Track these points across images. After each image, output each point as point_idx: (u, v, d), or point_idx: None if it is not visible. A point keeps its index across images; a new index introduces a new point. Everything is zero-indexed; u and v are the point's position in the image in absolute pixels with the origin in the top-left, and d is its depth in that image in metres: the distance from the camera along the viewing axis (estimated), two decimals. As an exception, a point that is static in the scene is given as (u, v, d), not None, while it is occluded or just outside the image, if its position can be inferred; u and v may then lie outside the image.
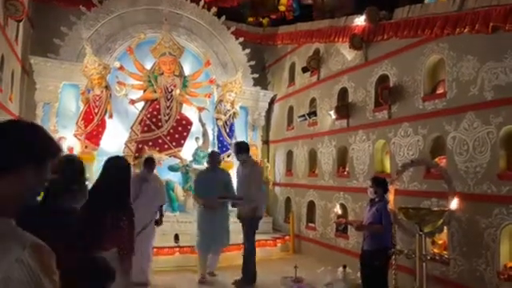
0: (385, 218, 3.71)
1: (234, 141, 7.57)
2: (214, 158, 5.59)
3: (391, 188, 2.01)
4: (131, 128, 7.36)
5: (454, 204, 1.37)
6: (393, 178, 2.17)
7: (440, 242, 4.62)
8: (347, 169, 6.45)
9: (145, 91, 7.50)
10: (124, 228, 2.67)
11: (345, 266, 5.53)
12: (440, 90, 4.78)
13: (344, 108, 6.47)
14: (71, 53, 7.35)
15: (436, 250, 4.37)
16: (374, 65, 5.93)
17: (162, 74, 7.45)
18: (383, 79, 5.74)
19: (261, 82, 8.93)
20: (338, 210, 4.95)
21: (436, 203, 4.37)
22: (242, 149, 5.38)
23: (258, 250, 5.62)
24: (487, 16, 4.12)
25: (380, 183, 3.99)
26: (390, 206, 1.54)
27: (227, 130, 7.84)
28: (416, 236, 1.47)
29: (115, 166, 2.92)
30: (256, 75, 8.70)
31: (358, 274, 5.41)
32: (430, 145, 4.82)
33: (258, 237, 5.65)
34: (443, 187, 4.34)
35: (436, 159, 4.66)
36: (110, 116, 7.14)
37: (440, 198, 4.38)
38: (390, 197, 1.59)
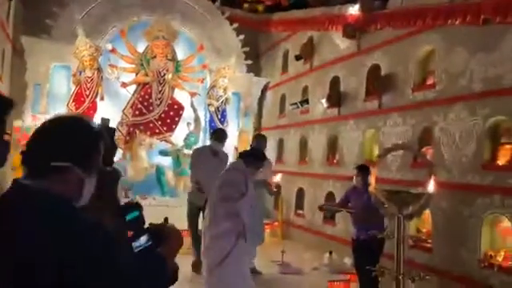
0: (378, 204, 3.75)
1: (225, 126, 7.60)
2: (222, 136, 5.09)
3: (373, 172, 2.07)
4: (122, 111, 7.33)
5: (431, 187, 1.42)
6: (375, 162, 2.23)
7: (424, 230, 4.73)
8: (337, 157, 6.52)
9: (137, 74, 7.46)
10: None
11: (331, 252, 5.66)
12: (430, 81, 4.84)
13: (336, 97, 6.51)
14: (63, 34, 7.26)
15: (421, 236, 4.47)
16: (366, 54, 5.96)
17: (155, 57, 7.40)
18: (375, 69, 5.77)
19: (254, 68, 8.91)
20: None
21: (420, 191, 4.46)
22: (225, 138, 5.13)
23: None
24: (479, 8, 4.15)
25: (368, 171, 4.03)
26: (372, 189, 1.59)
27: (219, 116, 7.85)
28: (395, 218, 1.53)
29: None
30: (249, 62, 8.68)
31: (345, 260, 5.54)
32: (418, 135, 4.89)
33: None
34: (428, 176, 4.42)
35: (423, 149, 4.74)
36: (102, 98, 7.11)
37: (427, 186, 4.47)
38: (372, 180, 1.64)
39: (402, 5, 5.28)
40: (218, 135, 5.18)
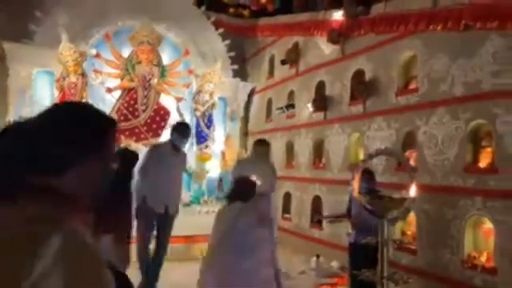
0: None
1: (212, 130, 7.59)
2: (187, 131, 4.63)
3: (356, 176, 2.10)
4: (108, 117, 7.25)
5: (413, 192, 1.45)
6: (358, 167, 2.27)
7: (409, 232, 4.80)
8: (323, 161, 6.57)
9: (122, 80, 7.40)
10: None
11: (318, 256, 5.69)
12: (412, 86, 4.93)
13: (321, 101, 6.57)
14: (46, 39, 7.15)
15: (404, 239, 4.53)
16: (350, 59, 6.04)
17: (140, 62, 7.36)
18: (359, 74, 5.85)
19: (240, 73, 8.93)
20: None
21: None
22: (189, 134, 4.74)
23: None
24: (459, 14, 4.26)
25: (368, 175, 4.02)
26: (355, 193, 1.61)
27: (205, 121, 7.83)
28: (379, 222, 1.56)
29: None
30: (236, 66, 8.69)
31: (332, 264, 5.58)
32: (402, 138, 4.97)
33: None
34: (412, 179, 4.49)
35: (406, 152, 4.81)
36: (86, 104, 7.03)
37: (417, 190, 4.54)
38: (355, 185, 1.66)
39: (385, 10, 5.38)
40: (182, 130, 4.63)
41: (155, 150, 4.67)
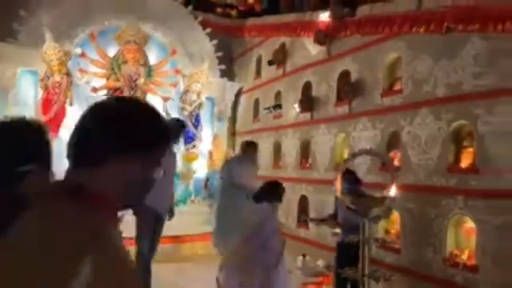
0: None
1: (199, 130, 7.58)
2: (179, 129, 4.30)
3: (338, 177, 2.13)
4: (93, 117, 7.19)
5: (393, 191, 1.49)
6: (341, 167, 2.30)
7: (393, 231, 4.87)
8: (310, 161, 6.62)
9: (108, 79, 7.34)
10: None
11: (304, 255, 5.73)
12: (397, 87, 4.99)
13: (308, 102, 6.62)
14: (30, 38, 7.06)
15: (388, 238, 4.59)
16: (336, 60, 6.09)
17: (126, 62, 7.31)
18: (345, 74, 5.90)
19: (228, 73, 8.93)
20: None
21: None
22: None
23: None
24: (442, 17, 4.33)
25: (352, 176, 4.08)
26: (337, 193, 1.63)
27: (193, 121, 7.82)
28: (360, 221, 1.59)
29: None
30: (223, 66, 8.69)
31: (318, 263, 5.62)
32: (387, 139, 5.03)
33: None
34: (398, 179, 4.56)
35: (391, 153, 4.88)
36: (71, 104, 6.96)
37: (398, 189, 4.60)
38: (337, 185, 1.69)
39: (371, 12, 5.44)
40: (176, 127, 4.32)
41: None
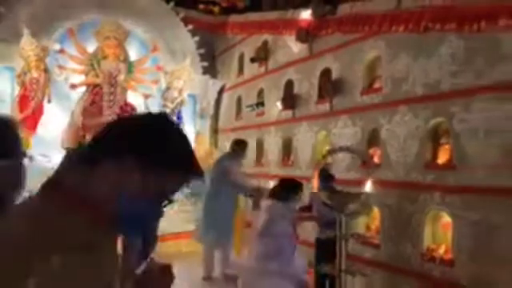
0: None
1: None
2: None
3: (315, 173, 2.15)
4: (72, 114, 7.07)
5: (368, 187, 1.50)
6: (318, 163, 2.33)
7: (373, 226, 4.94)
8: (292, 158, 6.65)
9: (87, 76, 7.22)
10: None
11: (286, 252, 5.76)
12: (377, 85, 5.06)
13: (290, 99, 6.64)
14: (7, 33, 6.88)
15: (367, 233, 4.66)
16: (318, 58, 6.13)
17: (106, 58, 7.20)
18: (326, 72, 5.95)
19: (210, 70, 8.89)
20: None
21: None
22: None
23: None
24: (420, 16, 4.40)
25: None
26: (314, 189, 1.64)
27: (175, 118, 7.76)
28: (337, 217, 1.61)
29: None
30: (205, 64, 8.65)
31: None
32: (367, 136, 5.10)
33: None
34: (376, 176, 4.63)
35: (371, 150, 4.95)
36: (49, 100, 6.82)
37: (375, 186, 4.67)
38: (314, 182, 1.70)
39: (351, 11, 5.49)
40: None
41: None
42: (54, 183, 0.86)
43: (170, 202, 0.92)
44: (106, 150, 0.86)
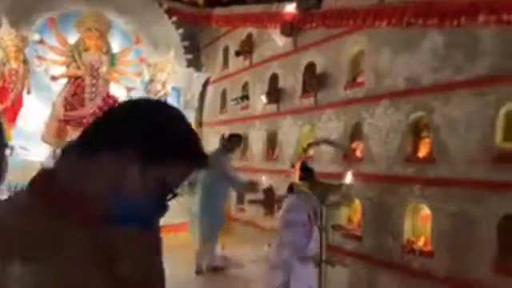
0: None
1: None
2: None
3: (296, 164, 2.17)
4: (52, 106, 6.93)
5: (348, 179, 1.53)
6: (299, 156, 2.35)
7: (355, 219, 5.01)
8: (276, 152, 6.68)
9: (68, 67, 7.08)
10: None
11: (269, 245, 5.79)
12: (360, 80, 5.10)
13: (274, 93, 6.65)
14: (-17, 22, 6.69)
15: (348, 225, 4.72)
16: (302, 52, 6.14)
17: (88, 49, 7.07)
18: (311, 67, 5.97)
19: (194, 63, 8.82)
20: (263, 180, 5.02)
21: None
22: None
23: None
24: (403, 11, 4.44)
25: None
26: (296, 181, 1.66)
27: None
28: (318, 208, 1.63)
29: None
30: (189, 56, 8.57)
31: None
32: (350, 130, 5.15)
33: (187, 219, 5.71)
34: (358, 169, 4.69)
35: (354, 143, 5.00)
36: (28, 92, 6.68)
37: (357, 179, 4.72)
38: (296, 173, 1.72)
39: (336, 5, 5.50)
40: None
41: None
42: (43, 178, 0.78)
43: (175, 195, 0.84)
44: (99, 141, 0.77)
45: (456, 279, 3.68)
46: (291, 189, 3.41)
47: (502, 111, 3.49)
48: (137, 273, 0.80)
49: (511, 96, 3.41)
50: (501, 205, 3.38)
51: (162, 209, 0.83)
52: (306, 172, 3.69)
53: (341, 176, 4.63)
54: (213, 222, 5.22)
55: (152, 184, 0.78)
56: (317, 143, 2.03)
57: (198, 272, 5.22)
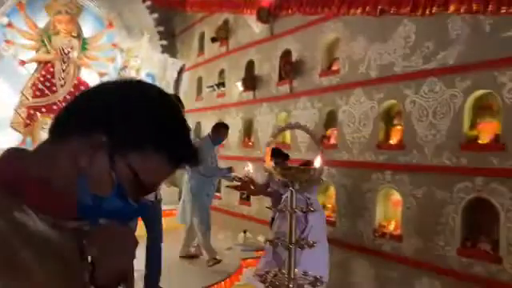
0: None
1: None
2: None
3: (267, 150, 2.19)
4: (21, 92, 6.70)
5: (318, 162, 1.55)
6: (270, 141, 2.37)
7: (329, 205, 5.10)
8: (252, 139, 6.69)
9: (37, 52, 6.84)
10: None
11: (245, 231, 5.85)
12: (335, 67, 5.14)
13: (251, 80, 6.63)
14: None
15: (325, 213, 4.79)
16: (278, 39, 6.13)
17: (58, 33, 6.84)
18: (287, 54, 5.97)
19: (169, 49, 8.68)
20: (249, 169, 4.92)
21: (327, 171, 4.78)
22: None
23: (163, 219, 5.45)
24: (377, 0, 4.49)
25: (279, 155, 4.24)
26: (266, 165, 1.66)
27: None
28: (289, 192, 1.66)
29: None
30: (164, 42, 8.42)
31: (258, 238, 5.77)
32: (325, 117, 5.20)
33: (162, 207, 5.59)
34: (332, 156, 4.76)
35: (328, 131, 5.07)
36: (-5, 77, 6.44)
37: (331, 166, 4.80)
38: (266, 158, 1.72)
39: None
40: None
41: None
42: (6, 160, 0.70)
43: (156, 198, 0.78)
44: (70, 125, 0.70)
45: (424, 261, 3.82)
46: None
47: (470, 99, 3.60)
48: (100, 273, 0.70)
49: (479, 84, 3.52)
50: (467, 189, 3.51)
51: (133, 211, 0.73)
52: (278, 157, 3.72)
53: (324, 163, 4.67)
54: (204, 215, 5.02)
55: (123, 176, 0.69)
56: (286, 128, 2.02)
57: (183, 257, 5.13)
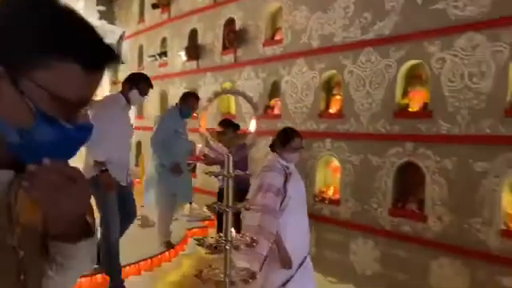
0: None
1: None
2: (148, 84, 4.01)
3: (203, 115, 2.17)
4: None
5: (253, 126, 1.56)
6: (204, 106, 2.34)
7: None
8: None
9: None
10: None
11: (191, 202, 5.85)
12: (278, 37, 5.15)
13: (194, 49, 6.47)
14: None
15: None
16: (222, 7, 5.99)
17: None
18: (230, 22, 5.87)
19: (107, 16, 8.20)
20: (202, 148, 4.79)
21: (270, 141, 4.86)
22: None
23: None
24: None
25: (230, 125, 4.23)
26: (201, 130, 1.64)
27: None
28: (225, 157, 1.65)
29: None
30: (102, 8, 7.93)
31: (204, 209, 5.80)
32: (269, 87, 5.24)
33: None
34: (276, 126, 4.84)
35: (272, 101, 5.12)
36: None
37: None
38: (202, 123, 1.69)
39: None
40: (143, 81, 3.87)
41: (114, 102, 3.59)
42: None
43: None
44: None
45: (360, 223, 4.07)
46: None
47: (403, 69, 3.79)
48: (49, 220, 0.64)
49: (412, 54, 3.70)
50: (398, 154, 3.75)
51: (76, 129, 0.65)
52: (229, 127, 3.70)
53: (263, 133, 4.74)
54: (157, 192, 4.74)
55: (37, 97, 0.61)
56: (221, 93, 1.99)
57: (163, 244, 4.60)
